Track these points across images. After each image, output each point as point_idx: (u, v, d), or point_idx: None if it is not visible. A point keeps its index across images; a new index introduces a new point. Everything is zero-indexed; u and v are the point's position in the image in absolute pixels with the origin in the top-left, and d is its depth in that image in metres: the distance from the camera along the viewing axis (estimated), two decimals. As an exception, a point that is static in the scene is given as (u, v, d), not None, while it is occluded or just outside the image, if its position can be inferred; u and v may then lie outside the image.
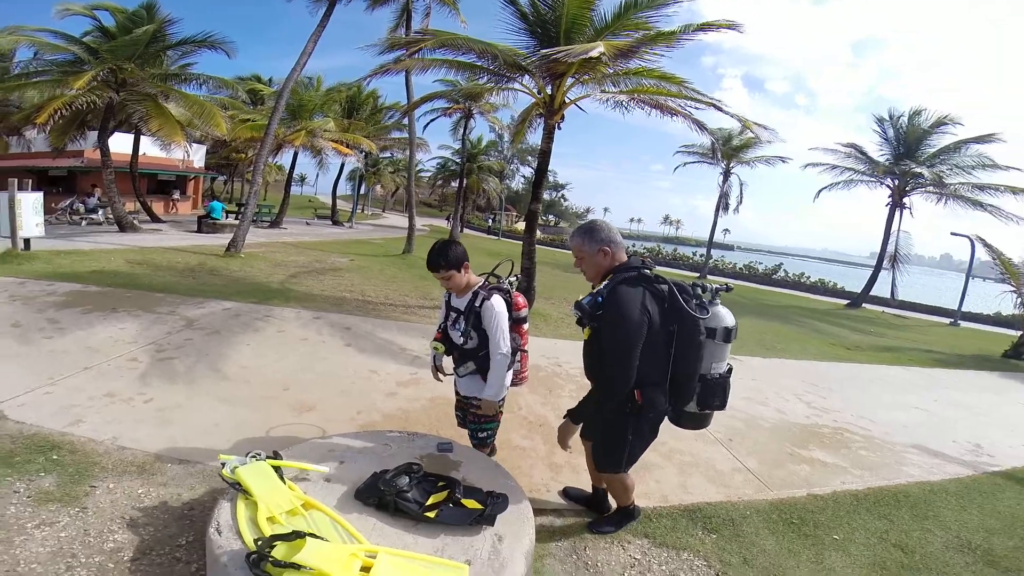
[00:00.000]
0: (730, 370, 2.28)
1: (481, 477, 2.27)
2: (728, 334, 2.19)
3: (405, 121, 18.70)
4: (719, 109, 7.77)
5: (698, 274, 23.22)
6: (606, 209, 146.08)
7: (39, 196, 9.08)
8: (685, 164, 24.52)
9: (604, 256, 2.23)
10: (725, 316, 2.21)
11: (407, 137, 17.61)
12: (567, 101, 8.09)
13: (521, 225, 44.59)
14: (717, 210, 23.82)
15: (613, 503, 2.82)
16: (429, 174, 36.88)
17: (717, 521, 2.93)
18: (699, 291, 2.21)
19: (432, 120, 24.08)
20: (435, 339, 2.74)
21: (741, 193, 23.87)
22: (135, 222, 14.63)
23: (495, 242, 28.77)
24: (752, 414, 4.78)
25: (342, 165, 26.58)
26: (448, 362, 2.78)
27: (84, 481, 2.64)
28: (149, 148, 17.24)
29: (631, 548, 2.61)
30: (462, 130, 24.81)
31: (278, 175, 32.38)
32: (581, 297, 2.18)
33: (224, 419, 3.58)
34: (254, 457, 2.06)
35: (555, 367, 5.60)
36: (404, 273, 11.38)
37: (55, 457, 2.83)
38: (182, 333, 5.35)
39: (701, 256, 27.67)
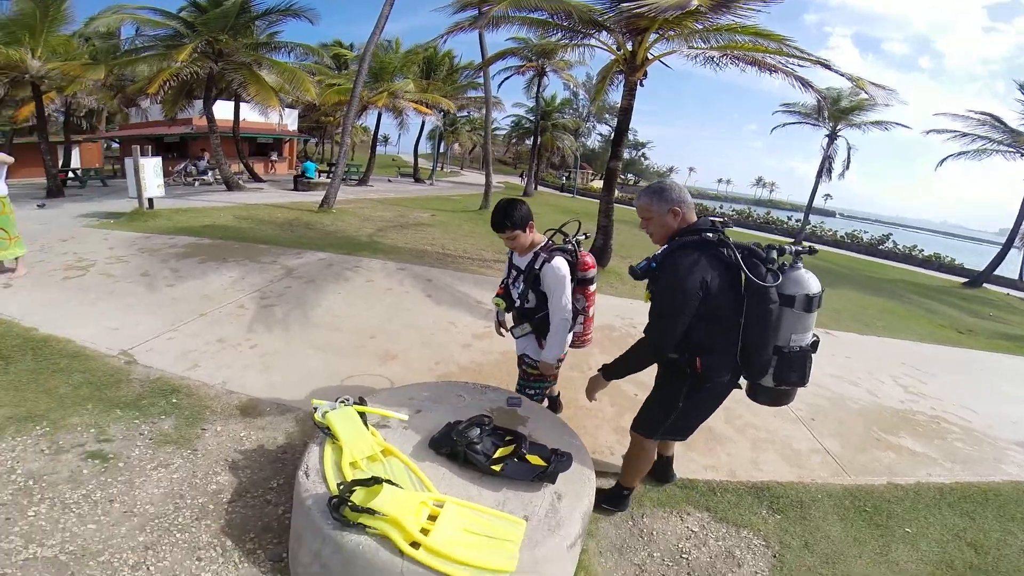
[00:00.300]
0: (815, 343, 2.08)
1: (547, 434, 2.34)
2: (810, 303, 1.97)
3: (481, 80, 18.61)
4: (828, 68, 7.04)
5: (791, 239, 21.57)
6: (691, 169, 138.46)
7: (159, 160, 10.13)
8: (784, 125, 22.38)
9: (674, 217, 2.12)
10: (808, 282, 1.99)
11: (483, 96, 17.55)
12: (650, 57, 7.64)
13: (597, 183, 43.63)
14: (819, 174, 21.67)
15: (677, 468, 2.80)
16: (504, 132, 36.71)
17: (784, 502, 2.85)
18: (774, 254, 2.02)
19: (506, 79, 23.69)
20: (497, 294, 2.74)
21: (848, 157, 21.47)
22: (240, 182, 16.03)
23: (570, 200, 28.34)
24: (840, 393, 4.51)
25: (422, 125, 27.21)
26: (510, 318, 2.81)
27: (197, 424, 3.00)
28: (248, 114, 18.57)
29: (689, 520, 2.63)
30: (535, 88, 24.27)
31: (364, 136, 33.77)
32: (636, 262, 2.13)
33: (318, 365, 3.94)
34: (343, 402, 2.24)
35: (629, 328, 5.54)
36: (481, 228, 11.62)
37: (175, 400, 3.23)
38: (283, 281, 5.89)
39: (797, 221, 25.53)
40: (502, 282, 2.76)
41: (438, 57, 24.23)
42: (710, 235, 2.05)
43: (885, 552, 2.57)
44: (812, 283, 1.99)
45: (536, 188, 27.11)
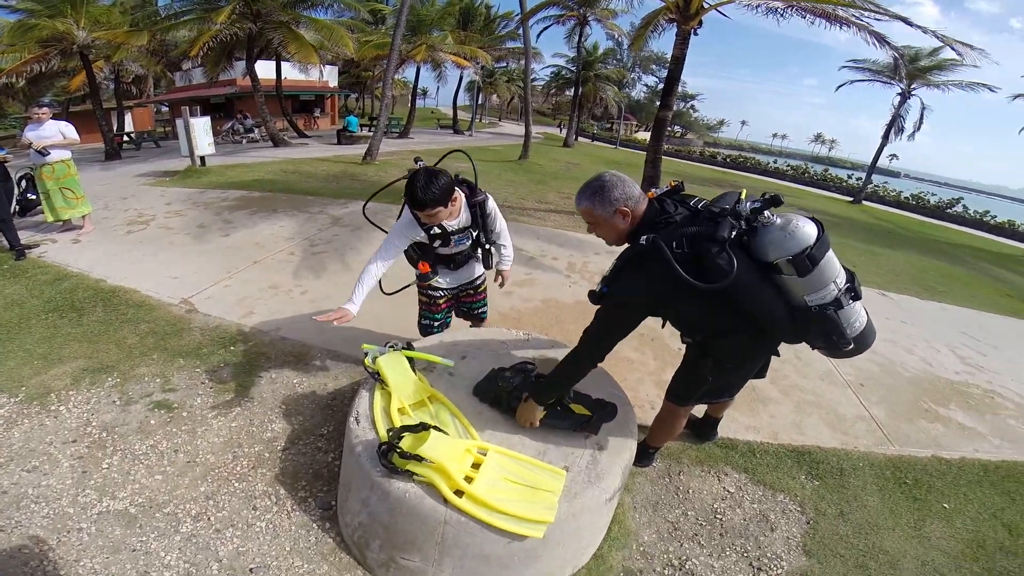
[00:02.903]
0: (850, 289, 1.74)
1: (588, 383, 2.22)
2: (804, 263, 1.61)
3: (519, 31, 17.98)
4: (908, 23, 6.44)
5: (851, 198, 20.31)
6: (743, 122, 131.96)
7: (207, 120, 10.41)
8: (852, 82, 20.74)
9: (623, 217, 1.78)
10: (788, 240, 1.62)
11: (521, 47, 16.97)
12: (706, 7, 7.12)
13: (641, 135, 41.95)
14: (887, 134, 20.06)
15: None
16: (543, 83, 35.64)
17: (824, 468, 2.80)
18: (727, 224, 1.64)
19: (545, 28, 22.70)
20: (422, 271, 2.55)
21: (921, 118, 19.71)
22: (285, 138, 16.39)
23: (612, 151, 27.47)
24: (892, 359, 4.31)
25: (460, 77, 26.89)
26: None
27: (253, 371, 3.13)
28: (289, 72, 18.77)
29: (726, 480, 2.62)
30: (576, 38, 23.16)
31: (403, 89, 33.60)
32: (596, 285, 1.85)
33: (365, 311, 3.98)
34: (391, 347, 2.27)
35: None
36: (521, 178, 11.68)
37: (232, 348, 3.39)
38: (330, 230, 6.09)
39: (858, 180, 23.97)
40: (419, 260, 2.56)
41: (475, 7, 23.46)
42: (662, 224, 1.74)
43: (919, 526, 2.50)
44: (797, 238, 1.62)
45: (576, 139, 26.40)
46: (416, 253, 2.57)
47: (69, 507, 2.13)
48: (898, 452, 3.05)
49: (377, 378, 2.13)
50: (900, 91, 19.19)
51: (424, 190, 2.11)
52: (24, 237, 5.33)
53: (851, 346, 1.78)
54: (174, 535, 2.04)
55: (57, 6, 11.63)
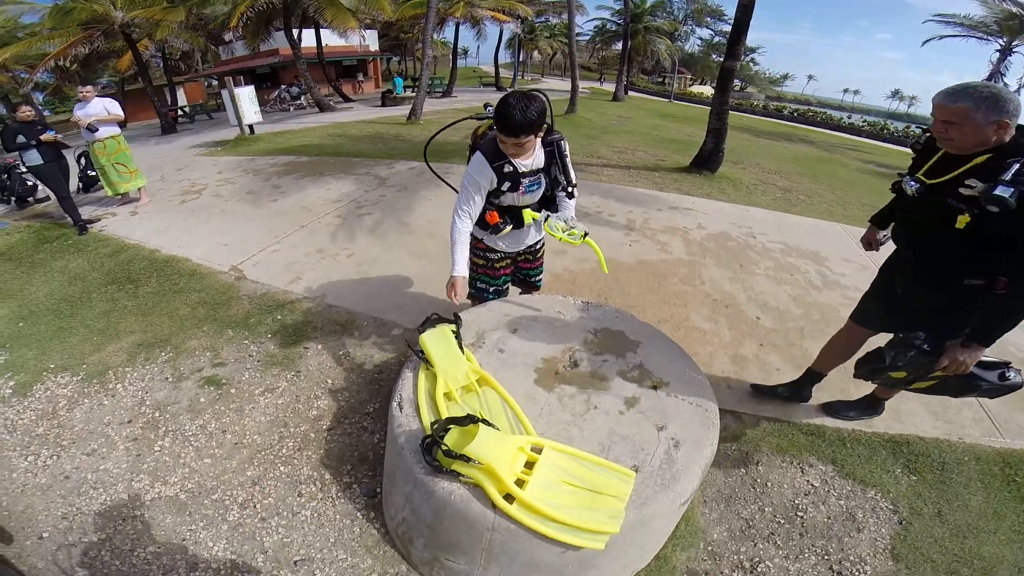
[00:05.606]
0: None
1: (662, 362, 2.04)
2: None
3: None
4: None
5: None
6: (811, 76, 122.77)
7: (251, 89, 10.54)
8: (941, 37, 18.65)
9: (995, 130, 1.60)
10: None
11: (561, 0, 15.87)
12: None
13: (696, 88, 39.33)
14: (984, 90, 18.10)
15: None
16: (587, 38, 33.80)
17: (924, 461, 2.42)
18: None
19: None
20: (491, 222, 2.21)
21: (1027, 74, 17.57)
22: (331, 103, 16.45)
23: (667, 104, 25.78)
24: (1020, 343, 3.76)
25: (500, 33, 25.97)
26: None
27: (300, 342, 3.05)
28: (330, 39, 18.60)
29: (811, 472, 2.31)
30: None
31: (443, 50, 32.98)
32: (986, 185, 1.59)
33: (413, 273, 3.90)
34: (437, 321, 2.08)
35: (748, 238, 4.90)
36: (569, 131, 10.97)
37: (279, 317, 3.32)
38: (377, 191, 5.98)
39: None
40: (487, 209, 2.23)
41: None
42: None
43: (1023, 528, 2.12)
44: None
45: (627, 93, 24.99)
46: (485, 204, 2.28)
47: (124, 493, 2.12)
48: (1008, 445, 2.61)
49: (421, 356, 1.94)
50: (999, 47, 17.19)
51: (524, 112, 1.88)
52: (87, 212, 5.52)
53: None
54: (221, 523, 1.98)
55: (94, -13, 11.68)
